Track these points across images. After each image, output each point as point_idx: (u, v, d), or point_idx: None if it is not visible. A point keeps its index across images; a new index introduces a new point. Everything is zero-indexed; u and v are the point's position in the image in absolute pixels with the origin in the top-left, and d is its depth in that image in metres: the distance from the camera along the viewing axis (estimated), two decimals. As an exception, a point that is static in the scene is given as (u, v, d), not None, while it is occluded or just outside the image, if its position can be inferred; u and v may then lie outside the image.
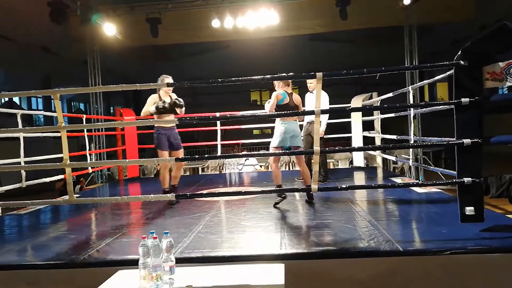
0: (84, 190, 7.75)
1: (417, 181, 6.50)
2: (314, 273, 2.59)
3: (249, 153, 5.69)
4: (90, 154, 6.73)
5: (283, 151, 4.34)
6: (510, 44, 2.75)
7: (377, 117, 7.27)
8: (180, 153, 4.78)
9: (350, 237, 2.92)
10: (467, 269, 2.54)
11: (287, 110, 4.12)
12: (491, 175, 7.28)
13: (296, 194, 4.76)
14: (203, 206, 4.41)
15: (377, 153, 7.61)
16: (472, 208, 2.79)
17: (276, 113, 4.21)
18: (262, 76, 3.22)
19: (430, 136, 4.83)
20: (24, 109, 17.59)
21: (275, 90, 4.31)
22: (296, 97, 4.32)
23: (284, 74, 3.36)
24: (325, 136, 5.89)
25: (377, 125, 7.34)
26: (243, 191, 4.43)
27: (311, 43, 14.62)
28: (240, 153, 5.78)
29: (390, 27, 9.31)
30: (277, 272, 2.13)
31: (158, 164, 9.11)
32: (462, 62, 2.80)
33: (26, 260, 2.82)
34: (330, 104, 6.01)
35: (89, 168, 6.79)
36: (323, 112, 5.49)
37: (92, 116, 8.43)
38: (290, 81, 4.27)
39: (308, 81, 5.80)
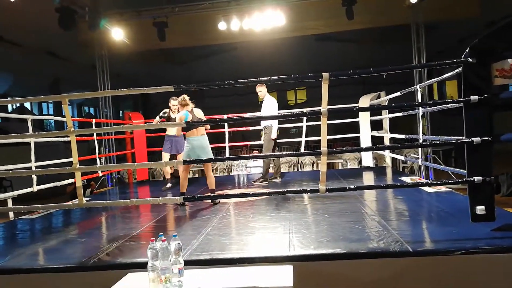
0: (95, 193, 7.81)
1: (427, 180, 6.44)
2: (322, 275, 2.58)
3: (257, 154, 5.69)
4: (100, 158, 6.79)
5: (290, 152, 4.34)
6: (519, 41, 2.71)
7: (385, 116, 7.22)
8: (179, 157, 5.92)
9: (359, 237, 2.90)
10: (478, 269, 2.51)
11: (194, 126, 4.60)
12: (501, 174, 7.20)
13: (305, 195, 4.75)
14: (212, 208, 4.42)
15: (386, 152, 7.55)
16: (483, 207, 2.76)
17: (282, 114, 4.21)
18: (268, 78, 3.22)
19: (440, 134, 4.78)
20: (35, 114, 17.84)
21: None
22: (197, 112, 4.84)
23: (291, 75, 3.36)
24: (332, 137, 5.91)
25: (386, 124, 7.29)
26: (251, 192, 4.44)
27: (318, 44, 14.58)
28: (248, 155, 5.79)
29: (396, 25, 9.24)
30: (285, 274, 2.13)
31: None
32: (470, 60, 2.77)
33: (37, 264, 2.85)
34: (336, 105, 6.00)
35: (99, 171, 6.85)
36: (273, 118, 5.70)
37: (102, 120, 8.50)
38: (187, 100, 4.78)
39: (257, 89, 6.10)
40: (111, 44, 8.80)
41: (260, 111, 6.40)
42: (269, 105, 6.14)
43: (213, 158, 5.16)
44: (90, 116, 22.33)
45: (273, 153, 5.30)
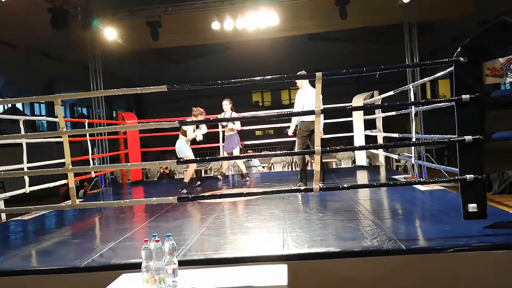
0: (88, 194, 7.77)
1: (420, 179, 6.48)
2: (317, 273, 2.59)
3: (251, 154, 5.68)
4: (93, 159, 6.75)
5: (284, 152, 4.34)
6: (510, 40, 2.74)
7: (378, 115, 7.25)
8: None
9: (353, 236, 2.92)
10: (471, 266, 2.53)
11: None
12: (493, 172, 7.27)
13: (298, 194, 4.76)
14: (206, 208, 4.42)
15: (379, 151, 7.59)
16: (475, 205, 2.78)
17: (282, 114, 4.22)
18: (262, 77, 3.22)
19: (433, 133, 4.81)
20: (27, 115, 17.69)
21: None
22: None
23: (285, 75, 3.37)
24: (326, 136, 5.90)
25: (379, 123, 7.32)
26: (245, 192, 4.44)
27: (311, 43, 14.63)
28: (242, 155, 5.79)
29: (389, 25, 9.29)
30: (280, 273, 2.14)
31: (160, 167, 9.13)
32: (461, 59, 2.79)
33: (30, 266, 2.83)
34: (329, 104, 5.99)
35: (92, 172, 6.81)
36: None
37: (95, 120, 8.45)
38: (200, 112, 5.87)
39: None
40: (104, 44, 8.74)
41: (254, 111, 6.40)
42: (296, 99, 5.62)
43: (192, 158, 5.96)
44: (83, 116, 22.19)
45: (268, 153, 5.29)
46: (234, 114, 6.51)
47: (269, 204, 4.35)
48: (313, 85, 5.75)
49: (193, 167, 6.22)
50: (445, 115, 4.98)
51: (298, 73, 5.57)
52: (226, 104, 6.48)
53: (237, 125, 6.56)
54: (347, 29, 9.52)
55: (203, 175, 9.31)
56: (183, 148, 5.97)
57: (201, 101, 19.71)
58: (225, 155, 6.67)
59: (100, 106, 9.04)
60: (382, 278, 2.54)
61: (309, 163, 8.57)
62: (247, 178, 6.55)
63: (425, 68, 11.78)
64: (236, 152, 6.49)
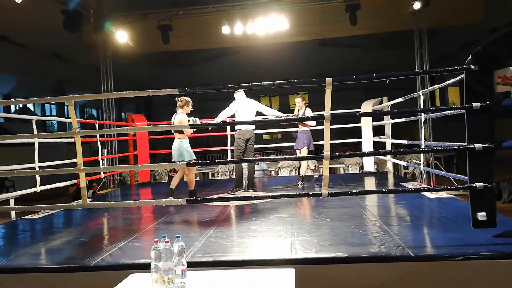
0: (97, 195, 7.84)
1: (428, 186, 6.44)
2: (324, 278, 2.59)
3: (259, 158, 5.70)
4: (102, 159, 6.82)
5: (292, 156, 4.36)
6: (521, 49, 2.74)
7: (387, 122, 7.23)
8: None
9: (360, 242, 2.91)
10: (479, 275, 2.51)
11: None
12: (503, 180, 7.21)
13: (306, 199, 4.76)
14: (214, 210, 4.44)
15: (388, 158, 7.56)
16: (484, 213, 2.77)
17: (287, 118, 4.24)
18: (272, 82, 3.24)
19: (442, 141, 4.79)
20: (38, 115, 17.91)
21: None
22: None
23: (294, 80, 3.39)
24: (334, 141, 5.92)
25: (388, 130, 7.30)
26: (253, 195, 4.45)
27: (321, 48, 14.62)
28: (250, 158, 5.80)
29: (400, 31, 9.29)
30: (287, 277, 2.14)
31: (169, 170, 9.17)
32: (472, 67, 2.79)
33: (40, 264, 2.87)
34: (338, 109, 6.00)
35: (102, 173, 6.87)
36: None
37: (105, 122, 8.54)
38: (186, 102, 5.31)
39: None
40: (115, 47, 8.85)
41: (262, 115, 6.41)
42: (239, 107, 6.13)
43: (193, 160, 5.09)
44: (93, 117, 22.41)
45: (277, 157, 5.31)
46: (308, 111, 6.28)
47: (276, 208, 4.36)
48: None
49: (194, 171, 5.31)
50: (454, 123, 4.96)
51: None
52: (299, 102, 6.33)
53: (312, 122, 6.24)
54: (357, 35, 9.53)
55: (210, 178, 9.35)
56: (181, 150, 5.03)
57: (208, 104, 19.80)
58: (298, 154, 6.32)
59: (110, 108, 9.14)
60: (389, 285, 2.53)
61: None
62: (300, 182, 6.20)
63: (434, 75, 11.74)
64: (302, 152, 6.17)
